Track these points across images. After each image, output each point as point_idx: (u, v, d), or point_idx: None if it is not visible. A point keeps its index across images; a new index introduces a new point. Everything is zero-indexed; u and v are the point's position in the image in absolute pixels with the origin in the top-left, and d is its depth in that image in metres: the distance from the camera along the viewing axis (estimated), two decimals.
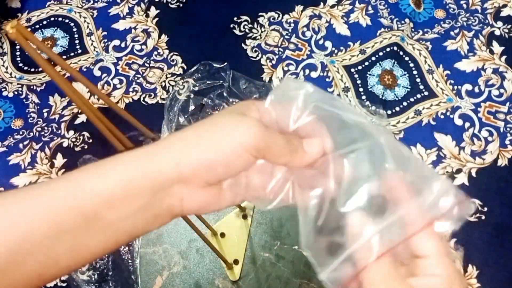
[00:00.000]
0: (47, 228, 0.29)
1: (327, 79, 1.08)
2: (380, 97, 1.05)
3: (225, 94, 1.04)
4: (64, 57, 1.16)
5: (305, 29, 1.16)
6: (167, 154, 0.31)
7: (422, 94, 1.05)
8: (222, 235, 0.85)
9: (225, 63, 1.07)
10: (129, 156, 0.31)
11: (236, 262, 0.83)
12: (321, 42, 1.14)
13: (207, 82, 1.06)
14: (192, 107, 1.03)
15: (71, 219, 0.29)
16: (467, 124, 1.00)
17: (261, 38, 1.15)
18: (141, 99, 1.08)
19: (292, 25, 1.17)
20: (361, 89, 1.06)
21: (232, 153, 0.31)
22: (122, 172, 0.30)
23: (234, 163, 0.31)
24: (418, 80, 1.06)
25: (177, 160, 0.31)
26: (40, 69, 1.14)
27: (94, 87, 0.53)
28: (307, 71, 1.09)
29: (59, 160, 1.02)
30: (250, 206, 0.88)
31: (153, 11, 1.21)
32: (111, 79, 1.11)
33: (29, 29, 1.21)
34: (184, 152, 0.31)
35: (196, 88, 1.06)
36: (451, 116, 1.01)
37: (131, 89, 1.10)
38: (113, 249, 0.31)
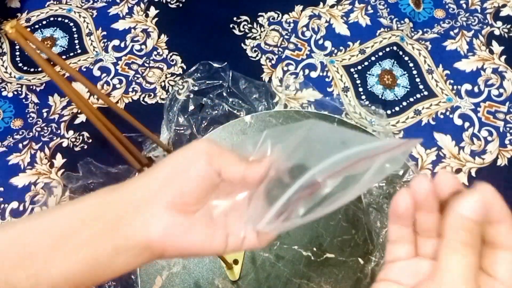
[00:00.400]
0: (13, 252, 0.29)
1: (326, 79, 1.08)
2: (380, 97, 1.05)
3: (224, 94, 1.04)
4: (64, 57, 1.16)
5: (304, 29, 1.16)
6: (135, 179, 0.33)
7: (422, 94, 1.05)
8: None
9: (225, 63, 1.07)
10: (107, 187, 0.33)
11: (235, 262, 0.83)
12: (320, 42, 1.14)
13: (207, 82, 1.06)
14: (191, 107, 1.03)
15: (38, 241, 0.30)
16: (466, 124, 1.00)
17: (260, 38, 1.15)
18: (141, 99, 1.08)
19: (292, 25, 1.17)
20: (360, 89, 1.06)
21: (189, 160, 0.33)
22: (95, 196, 0.32)
23: (193, 172, 0.32)
24: (417, 80, 1.06)
25: (144, 180, 0.33)
26: (39, 69, 1.14)
27: (93, 87, 0.52)
28: (306, 71, 1.09)
29: (59, 160, 1.02)
30: None
31: (152, 11, 1.21)
32: (111, 79, 1.11)
33: (28, 29, 1.21)
34: (150, 172, 0.33)
35: (196, 88, 1.06)
36: (451, 116, 1.01)
37: (130, 89, 1.10)
38: (73, 284, 0.31)
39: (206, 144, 0.33)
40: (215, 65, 1.07)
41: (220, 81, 1.05)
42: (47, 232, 0.30)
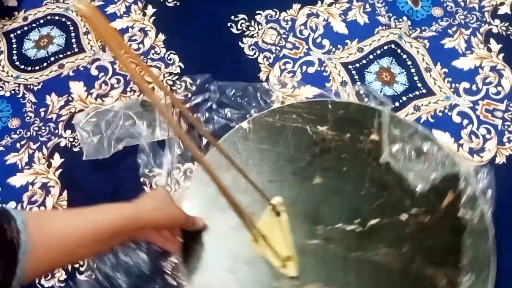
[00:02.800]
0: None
1: (324, 73, 1.07)
2: (379, 92, 1.04)
3: (214, 106, 1.01)
4: (61, 55, 1.15)
5: (302, 27, 1.16)
6: (144, 210, 0.66)
7: (420, 92, 1.04)
8: (265, 237, 0.83)
9: (208, 75, 1.04)
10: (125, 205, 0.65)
11: (288, 259, 0.81)
12: (318, 40, 1.13)
13: (192, 98, 1.02)
14: (185, 127, 0.99)
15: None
16: (465, 122, 1.00)
17: (258, 36, 1.15)
18: (139, 98, 1.08)
19: (290, 23, 1.16)
20: (359, 84, 1.06)
21: (177, 218, 0.73)
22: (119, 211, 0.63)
23: (174, 223, 0.75)
24: (416, 78, 1.06)
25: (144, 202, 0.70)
26: (37, 68, 1.14)
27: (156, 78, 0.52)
28: (304, 67, 1.09)
29: (57, 160, 1.01)
30: (280, 202, 0.87)
31: (150, 10, 1.21)
32: (109, 79, 1.11)
33: (25, 28, 1.21)
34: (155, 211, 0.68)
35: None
36: (449, 113, 1.01)
37: (128, 89, 1.09)
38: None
39: (185, 215, 0.76)
40: (198, 79, 1.05)
41: (207, 94, 1.03)
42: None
